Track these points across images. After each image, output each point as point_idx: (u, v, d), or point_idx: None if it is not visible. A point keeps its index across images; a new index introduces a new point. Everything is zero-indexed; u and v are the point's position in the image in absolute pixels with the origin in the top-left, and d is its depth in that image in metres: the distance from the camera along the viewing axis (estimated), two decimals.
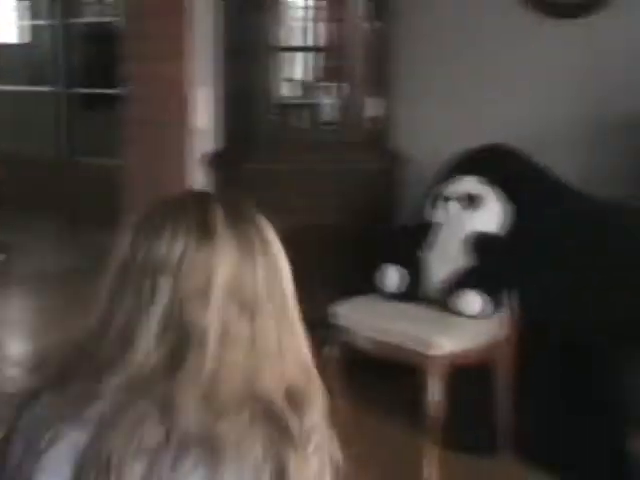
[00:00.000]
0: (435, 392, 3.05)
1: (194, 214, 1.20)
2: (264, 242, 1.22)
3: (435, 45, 4.09)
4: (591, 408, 3.20)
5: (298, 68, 4.20)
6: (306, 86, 4.14)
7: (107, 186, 6.28)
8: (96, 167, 6.58)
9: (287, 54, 4.18)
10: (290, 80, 4.20)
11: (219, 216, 1.20)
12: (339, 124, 4.04)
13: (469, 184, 3.37)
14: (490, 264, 3.26)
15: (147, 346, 1.15)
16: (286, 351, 1.21)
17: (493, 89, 3.94)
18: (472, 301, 3.16)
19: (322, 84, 4.18)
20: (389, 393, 3.52)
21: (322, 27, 4.14)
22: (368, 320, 3.19)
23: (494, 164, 3.45)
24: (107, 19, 6.67)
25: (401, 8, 4.12)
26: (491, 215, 3.32)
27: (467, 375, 3.29)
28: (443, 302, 3.23)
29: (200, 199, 1.26)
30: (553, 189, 3.44)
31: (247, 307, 1.18)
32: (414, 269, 3.31)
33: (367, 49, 3.99)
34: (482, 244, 3.28)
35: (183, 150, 3.93)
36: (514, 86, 3.87)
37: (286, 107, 4.12)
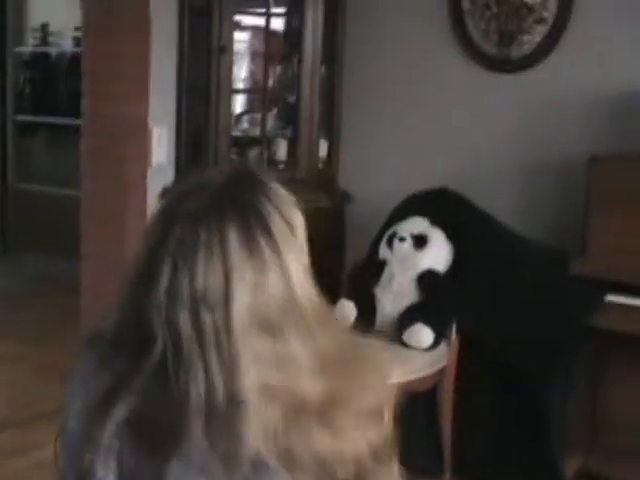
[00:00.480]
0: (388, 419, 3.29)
1: (219, 240, 1.24)
2: (277, 253, 1.27)
3: (380, 91, 4.36)
4: (528, 432, 3.50)
5: (255, 108, 4.40)
6: (262, 125, 4.34)
7: (53, 214, 6.48)
8: (42, 194, 6.70)
9: (241, 95, 4.39)
10: (243, 119, 4.39)
11: (235, 239, 1.25)
12: (292, 162, 4.27)
13: (419, 225, 3.63)
14: (436, 300, 3.52)
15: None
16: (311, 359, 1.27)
17: (434, 135, 4.24)
18: (422, 334, 3.42)
19: (277, 124, 4.39)
20: None
21: (276, 69, 4.34)
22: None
23: (440, 206, 3.71)
24: (53, 48, 6.81)
25: (349, 55, 4.38)
26: (438, 254, 3.59)
27: (415, 403, 3.56)
28: (395, 335, 3.48)
29: (219, 221, 1.27)
30: (488, 229, 3.72)
31: (265, 327, 1.25)
32: (369, 304, 3.56)
33: (319, 93, 4.24)
34: (430, 282, 3.55)
35: (144, 185, 4.10)
36: (456, 133, 4.16)
37: (240, 145, 4.31)
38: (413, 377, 3.37)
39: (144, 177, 4.10)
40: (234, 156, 4.24)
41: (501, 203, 3.86)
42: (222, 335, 1.23)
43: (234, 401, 1.23)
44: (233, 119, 4.26)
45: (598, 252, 3.44)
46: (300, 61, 4.21)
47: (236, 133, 4.29)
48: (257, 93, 4.40)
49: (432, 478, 3.61)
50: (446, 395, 3.56)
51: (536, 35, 3.92)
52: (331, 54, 4.33)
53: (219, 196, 1.30)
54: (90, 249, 4.18)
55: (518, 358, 3.43)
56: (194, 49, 4.19)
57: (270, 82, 4.32)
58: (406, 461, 3.66)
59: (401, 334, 3.45)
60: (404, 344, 3.44)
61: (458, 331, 3.53)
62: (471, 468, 3.58)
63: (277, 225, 1.29)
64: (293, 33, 4.32)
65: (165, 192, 4.17)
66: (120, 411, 1.28)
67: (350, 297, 3.55)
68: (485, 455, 3.57)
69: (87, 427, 1.32)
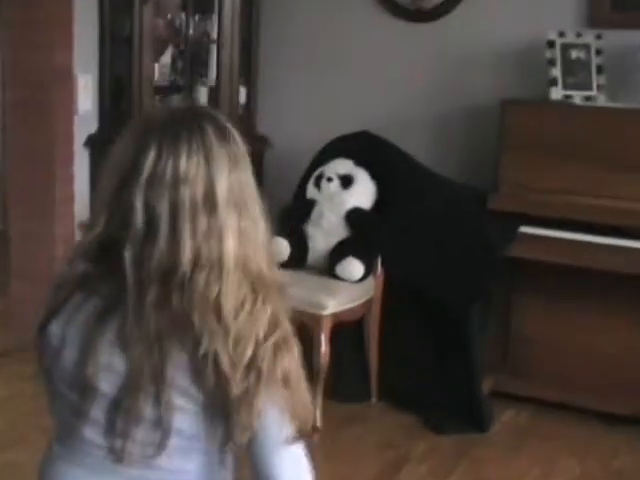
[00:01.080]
0: (323, 345, 3.53)
1: (199, 134, 1.50)
2: (243, 154, 1.55)
3: (298, 42, 4.56)
4: (449, 357, 3.80)
5: (176, 57, 4.51)
6: (183, 73, 4.45)
7: None
8: None
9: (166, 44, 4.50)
10: (167, 67, 4.50)
11: (212, 136, 1.51)
12: (213, 109, 4.41)
13: (345, 166, 3.86)
14: (364, 235, 3.77)
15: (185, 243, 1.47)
16: (265, 242, 1.55)
17: (350, 83, 4.45)
18: (353, 267, 3.66)
19: (198, 71, 4.52)
20: None
21: (199, 20, 4.46)
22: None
23: (363, 148, 3.94)
24: None
25: (266, 7, 4.54)
26: (364, 192, 3.83)
27: (344, 332, 3.81)
28: (327, 269, 3.71)
29: (199, 123, 1.52)
30: (409, 169, 3.98)
31: (238, 207, 1.51)
32: (301, 241, 3.77)
33: (239, 43, 4.39)
34: (357, 218, 3.79)
35: (72, 132, 4.18)
36: (372, 80, 4.39)
37: (163, 92, 4.43)
38: (345, 307, 3.63)
39: (71, 124, 4.19)
40: (157, 103, 4.35)
41: (418, 145, 4.12)
42: (201, 209, 1.48)
43: (216, 266, 1.48)
44: (156, 67, 4.35)
45: (510, 188, 3.74)
46: (220, 13, 4.34)
47: (158, 81, 4.39)
48: (178, 43, 4.50)
49: (360, 403, 3.89)
50: (373, 324, 3.83)
51: None
52: (249, 4, 4.47)
53: (188, 108, 1.62)
54: (19, 197, 4.25)
55: (440, 290, 3.72)
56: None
57: (191, 32, 4.42)
58: (336, 387, 3.96)
59: (333, 268, 3.69)
60: (336, 277, 3.68)
61: (383, 264, 3.79)
62: (396, 392, 3.87)
63: (236, 132, 1.57)
64: None
65: (91, 139, 4.27)
66: (112, 325, 1.51)
67: (283, 235, 3.76)
68: (409, 380, 3.85)
69: (85, 341, 1.53)
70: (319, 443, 3.49)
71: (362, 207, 3.80)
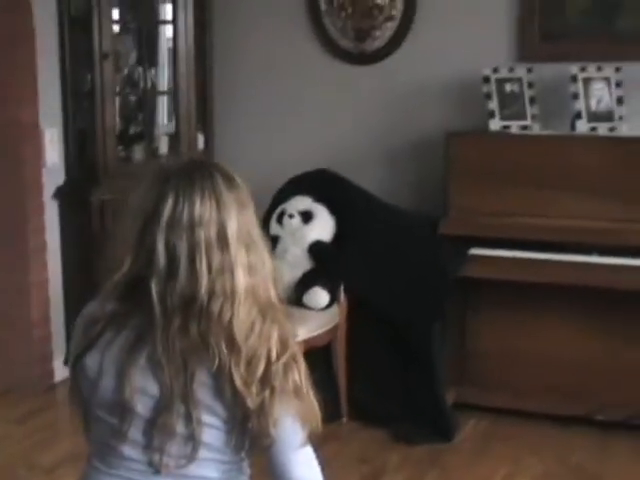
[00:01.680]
0: None
1: (210, 182, 1.73)
2: (247, 198, 1.78)
3: (250, 86, 4.83)
4: (413, 374, 4.06)
5: (138, 107, 4.75)
6: (145, 123, 4.69)
7: None
8: None
9: (126, 96, 4.74)
10: (130, 118, 4.74)
11: (221, 184, 1.74)
12: (173, 156, 4.65)
13: (304, 202, 4.13)
14: (327, 266, 4.04)
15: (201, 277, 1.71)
16: (270, 273, 1.80)
17: (302, 124, 4.74)
18: (319, 296, 3.93)
19: (160, 120, 4.76)
20: None
21: (159, 72, 4.71)
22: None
23: (320, 185, 4.22)
24: None
25: (218, 54, 4.82)
26: (324, 226, 4.11)
27: (313, 357, 4.05)
28: (295, 299, 3.97)
29: (209, 171, 1.76)
30: (365, 202, 4.27)
31: (247, 244, 1.75)
32: None
33: (195, 91, 4.65)
34: (319, 251, 4.06)
35: (40, 184, 4.38)
36: (323, 121, 4.68)
37: (125, 142, 4.65)
38: (314, 334, 3.88)
39: (40, 176, 4.39)
40: (121, 153, 4.57)
41: (372, 179, 4.42)
42: (215, 247, 1.72)
43: (230, 296, 1.72)
44: (117, 118, 4.58)
45: (458, 213, 4.05)
46: (175, 63, 4.59)
47: (119, 132, 4.61)
48: (136, 94, 4.74)
49: (331, 422, 4.12)
50: (340, 348, 4.08)
51: (387, 30, 4.51)
52: (202, 54, 4.74)
53: (197, 161, 1.90)
54: None
55: (400, 312, 3.99)
56: (76, 55, 4.50)
57: (148, 84, 4.67)
58: None
59: (300, 298, 3.94)
60: (303, 306, 3.93)
61: (346, 292, 4.06)
62: (366, 410, 4.12)
63: (239, 179, 1.81)
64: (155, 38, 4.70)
65: (59, 191, 4.47)
66: (144, 353, 1.74)
67: None
68: (377, 397, 4.11)
69: (120, 369, 1.76)
70: None
71: (323, 240, 4.08)
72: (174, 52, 4.59)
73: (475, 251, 3.98)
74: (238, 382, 1.70)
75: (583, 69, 4.05)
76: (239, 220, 1.76)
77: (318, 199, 4.14)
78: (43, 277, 4.43)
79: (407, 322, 3.99)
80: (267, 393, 1.73)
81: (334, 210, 4.14)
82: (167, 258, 1.72)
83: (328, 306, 3.97)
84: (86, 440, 1.93)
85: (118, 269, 1.78)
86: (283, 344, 1.76)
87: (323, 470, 1.84)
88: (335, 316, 4.02)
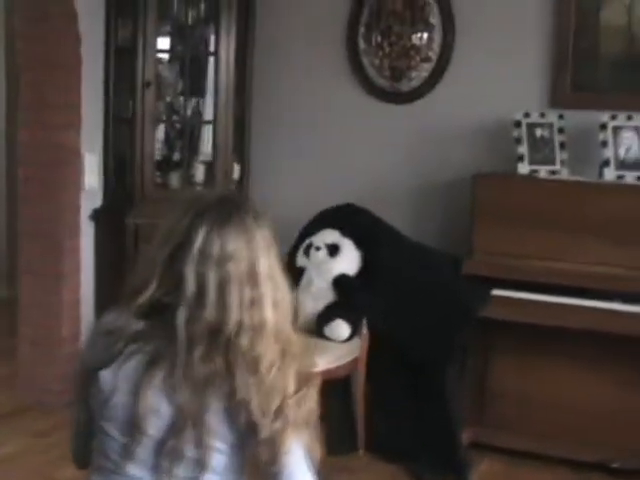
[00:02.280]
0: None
1: (242, 218, 1.82)
2: (273, 235, 1.86)
3: (287, 121, 4.91)
4: (429, 411, 4.10)
5: (172, 135, 4.87)
6: (177, 150, 4.81)
7: None
8: None
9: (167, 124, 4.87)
10: (172, 146, 4.86)
11: (253, 221, 1.83)
12: (209, 184, 4.77)
13: (331, 236, 4.21)
14: (350, 299, 4.10)
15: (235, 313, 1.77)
16: (289, 308, 1.86)
17: (335, 160, 4.81)
18: (340, 328, 3.99)
19: (197, 150, 4.88)
20: None
21: (195, 102, 4.84)
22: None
23: (349, 219, 4.30)
24: None
25: (257, 88, 4.93)
26: (350, 260, 4.17)
27: (331, 389, 4.11)
28: (317, 331, 4.03)
29: (239, 206, 1.86)
30: (391, 238, 4.33)
31: (274, 281, 1.82)
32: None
33: (233, 122, 4.76)
34: (343, 284, 4.12)
35: (78, 206, 4.52)
36: (356, 157, 4.75)
37: (163, 169, 4.77)
38: (333, 365, 3.93)
39: (78, 200, 4.53)
40: (158, 179, 4.69)
41: (399, 217, 4.48)
42: (246, 282, 1.78)
43: (259, 330, 1.78)
44: (157, 146, 4.71)
45: (483, 255, 4.09)
46: (216, 94, 4.71)
47: (158, 158, 4.74)
48: (177, 122, 4.86)
49: (348, 455, 4.17)
50: (359, 381, 4.13)
51: (422, 71, 4.59)
52: (242, 86, 4.85)
53: (230, 195, 1.99)
54: (29, 266, 4.56)
55: (419, 348, 4.04)
56: (119, 83, 4.66)
57: (189, 112, 4.79)
58: (326, 440, 4.22)
59: (321, 329, 4.01)
60: (324, 337, 4.00)
61: (368, 326, 4.11)
62: (382, 444, 4.15)
63: (265, 217, 1.91)
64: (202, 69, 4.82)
65: (95, 213, 4.60)
66: (160, 374, 1.79)
67: None
68: (394, 432, 4.15)
69: (135, 387, 1.81)
70: None
71: (348, 273, 4.14)
72: (215, 83, 4.70)
73: (498, 292, 4.01)
74: (256, 412, 1.76)
75: (613, 117, 4.08)
76: (269, 257, 1.83)
77: (345, 233, 4.21)
78: (76, 296, 4.55)
79: (424, 359, 4.03)
80: (279, 424, 1.78)
81: (360, 244, 4.21)
82: (197, 287, 1.78)
83: (349, 339, 4.03)
84: (75, 448, 2.02)
85: (144, 289, 1.84)
86: (300, 378, 1.82)
87: None
88: (356, 349, 4.07)
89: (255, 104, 4.93)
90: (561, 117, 4.22)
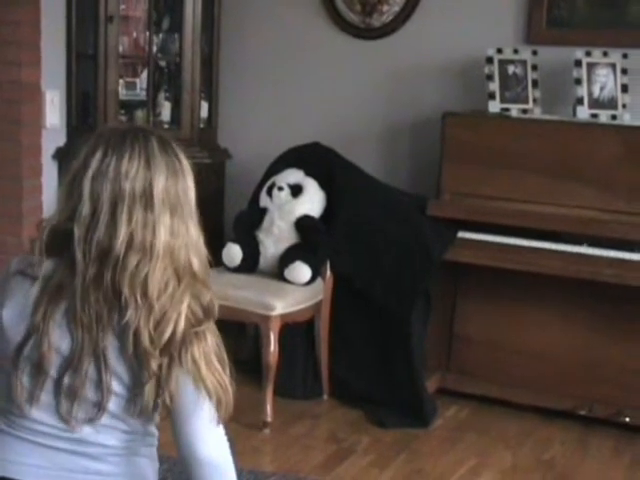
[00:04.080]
0: (272, 344, 3.74)
1: (143, 142, 1.76)
2: (183, 169, 1.79)
3: (255, 58, 4.76)
4: (393, 356, 4.00)
5: (143, 74, 4.73)
6: (149, 89, 4.66)
7: None
8: None
9: (131, 61, 4.73)
10: (135, 84, 4.72)
11: (155, 145, 1.76)
12: (176, 123, 4.63)
13: (295, 175, 4.07)
14: (312, 241, 3.97)
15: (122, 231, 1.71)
16: (194, 242, 1.79)
17: (305, 97, 4.66)
18: (301, 271, 3.87)
19: (163, 88, 4.74)
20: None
21: (162, 38, 4.68)
22: (215, 288, 3.78)
23: (313, 159, 4.15)
24: None
25: (225, 24, 4.76)
26: (313, 201, 4.04)
27: (295, 332, 4.02)
28: (278, 273, 3.92)
29: (144, 134, 1.79)
30: (356, 179, 4.18)
31: (173, 208, 1.74)
32: (253, 247, 3.99)
33: (200, 59, 4.61)
34: (306, 225, 3.99)
35: (39, 145, 4.40)
36: (324, 94, 4.61)
37: (127, 107, 4.65)
38: (294, 309, 3.83)
39: (39, 138, 4.41)
40: (122, 118, 4.56)
41: (366, 156, 4.35)
42: (138, 202, 1.72)
43: (148, 252, 1.71)
44: (121, 83, 4.57)
45: (450, 196, 3.96)
46: (182, 31, 4.56)
47: (123, 96, 4.61)
48: (142, 59, 4.72)
49: (311, 400, 4.09)
50: (323, 325, 4.04)
51: (394, 5, 4.41)
52: (210, 23, 4.69)
53: (140, 126, 1.94)
54: None
55: (382, 291, 3.93)
56: (82, 17, 4.50)
57: (154, 49, 4.64)
58: (289, 385, 4.16)
59: (282, 272, 3.89)
60: (285, 280, 3.88)
61: (331, 269, 4.00)
62: (345, 389, 4.08)
63: (181, 153, 1.83)
64: (176, 6, 4.66)
65: (59, 152, 4.48)
66: (62, 306, 1.74)
67: (236, 241, 3.97)
68: (357, 377, 4.06)
69: (37, 323, 1.74)
70: (269, 436, 3.72)
71: (311, 215, 4.01)
72: (181, 18, 4.54)
73: (464, 235, 3.89)
74: (145, 340, 1.69)
75: (588, 54, 3.92)
76: (168, 183, 1.75)
77: (310, 173, 4.07)
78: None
79: (388, 302, 3.92)
80: (166, 361, 1.71)
81: (325, 185, 4.07)
82: (91, 207, 1.72)
83: (311, 282, 3.91)
84: None
85: (47, 222, 1.79)
86: (194, 314, 1.75)
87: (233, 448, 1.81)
88: (318, 292, 3.97)
89: (223, 41, 4.76)
90: (535, 53, 4.05)
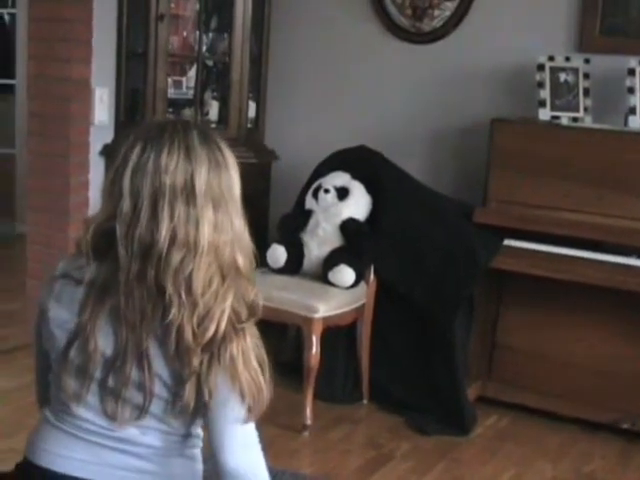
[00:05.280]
0: (313, 347, 3.73)
1: (182, 134, 1.72)
2: (226, 160, 1.74)
3: (305, 59, 4.76)
4: (434, 362, 3.98)
5: (191, 73, 4.75)
6: (196, 88, 4.68)
7: None
8: None
9: (180, 60, 4.75)
10: (182, 82, 4.75)
11: (195, 138, 1.72)
12: (223, 123, 4.65)
13: (341, 178, 4.06)
14: (357, 244, 3.96)
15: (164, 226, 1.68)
16: (239, 237, 1.75)
17: (353, 100, 4.66)
18: (345, 274, 3.86)
19: (211, 87, 4.76)
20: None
21: (211, 38, 4.70)
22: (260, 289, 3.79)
23: (360, 162, 4.14)
24: None
25: (275, 25, 4.77)
26: (358, 204, 4.03)
27: (336, 336, 4.01)
28: (321, 276, 3.91)
29: (183, 126, 1.75)
30: (403, 183, 4.16)
31: (216, 202, 1.70)
32: (297, 249, 3.99)
33: (249, 59, 4.62)
34: (351, 229, 3.98)
35: (87, 142, 4.43)
36: (373, 98, 4.60)
37: (175, 106, 4.67)
38: (336, 312, 3.82)
39: (87, 135, 4.44)
40: (170, 116, 4.58)
41: (411, 161, 4.33)
42: (180, 196, 1.68)
43: (192, 248, 1.68)
44: (169, 82, 4.60)
45: (497, 203, 3.93)
46: (232, 30, 4.57)
47: (171, 95, 4.63)
48: (189, 58, 4.74)
49: (351, 405, 4.08)
50: (365, 329, 4.02)
51: (446, 10, 4.39)
52: (260, 23, 4.70)
53: (181, 120, 1.88)
54: (36, 202, 4.50)
55: (426, 297, 3.90)
56: (133, 16, 4.53)
57: (203, 48, 4.66)
58: (329, 389, 4.15)
59: (326, 274, 3.89)
60: (329, 283, 3.88)
61: (375, 273, 3.99)
62: (385, 394, 4.06)
63: (224, 145, 1.78)
64: (226, 6, 4.67)
65: (106, 149, 4.51)
66: (107, 306, 1.72)
67: (281, 242, 3.98)
68: (398, 383, 4.05)
69: (84, 324, 1.73)
70: (308, 439, 3.71)
71: (356, 218, 4.00)
72: (232, 18, 4.56)
73: (509, 243, 3.86)
74: (189, 336, 1.67)
75: None
76: (210, 176, 1.71)
77: (356, 176, 4.06)
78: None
79: (431, 307, 3.90)
80: (207, 358, 1.70)
81: (371, 188, 4.06)
82: (131, 203, 1.69)
83: (354, 285, 3.90)
84: (37, 390, 2.00)
85: (92, 222, 1.76)
86: (237, 311, 1.72)
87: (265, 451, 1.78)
88: (361, 296, 3.95)
89: (273, 41, 4.77)
90: (587, 61, 4.01)
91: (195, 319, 1.67)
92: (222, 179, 1.73)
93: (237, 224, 1.75)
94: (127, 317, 1.69)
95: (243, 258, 1.76)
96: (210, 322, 1.68)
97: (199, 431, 1.88)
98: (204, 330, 1.68)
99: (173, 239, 1.68)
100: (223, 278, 1.71)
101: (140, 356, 1.70)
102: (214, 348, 1.69)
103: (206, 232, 1.70)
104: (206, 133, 1.76)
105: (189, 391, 1.71)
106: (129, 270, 1.68)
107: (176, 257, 1.68)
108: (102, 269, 1.73)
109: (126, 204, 1.68)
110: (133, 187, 1.69)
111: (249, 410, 1.74)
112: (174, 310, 1.67)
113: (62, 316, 1.77)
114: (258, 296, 1.79)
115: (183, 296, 1.67)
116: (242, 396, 1.72)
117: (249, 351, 1.74)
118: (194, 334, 1.67)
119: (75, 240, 1.81)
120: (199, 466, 1.92)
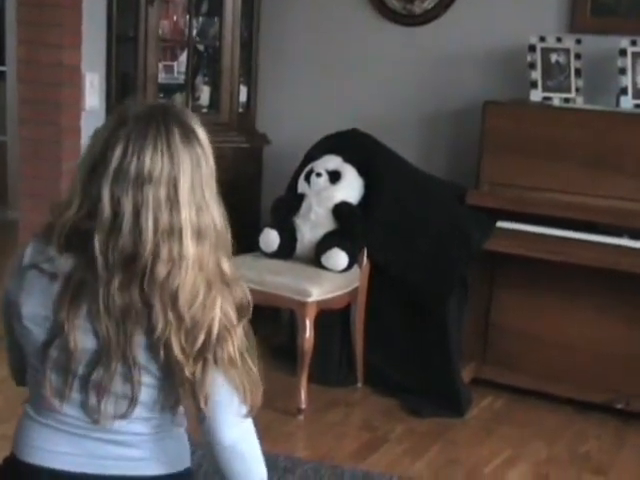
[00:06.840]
0: (307, 331, 3.73)
1: (165, 136, 1.65)
2: (205, 153, 1.70)
3: (295, 43, 4.73)
4: (428, 345, 3.98)
5: (182, 58, 4.73)
6: (187, 73, 4.66)
7: None
8: None
9: (171, 44, 4.72)
10: (173, 67, 4.73)
11: (178, 138, 1.66)
12: (214, 107, 4.63)
13: (333, 162, 4.05)
14: (350, 228, 3.96)
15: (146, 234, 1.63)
16: (221, 236, 1.71)
17: (344, 83, 4.64)
18: (338, 258, 3.86)
19: (202, 72, 4.74)
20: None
21: (202, 22, 4.68)
22: (252, 273, 3.80)
23: (352, 145, 4.13)
24: None
25: (266, 9, 4.74)
26: (351, 187, 4.02)
27: (331, 320, 4.01)
28: (314, 260, 3.91)
29: (165, 119, 1.67)
30: (395, 166, 4.16)
31: (199, 206, 1.66)
32: (290, 233, 3.98)
33: (240, 44, 4.60)
34: (343, 212, 3.97)
35: (78, 127, 4.41)
36: (364, 81, 4.58)
37: (166, 90, 4.65)
38: (330, 296, 3.82)
39: (78, 120, 4.41)
40: (161, 101, 4.56)
41: (404, 143, 4.31)
42: (163, 207, 1.63)
43: (177, 262, 1.64)
44: (160, 66, 4.58)
45: (489, 185, 3.93)
46: (222, 14, 4.55)
47: (162, 80, 4.61)
48: (180, 43, 4.71)
49: (346, 388, 4.09)
50: (358, 313, 4.02)
51: None
52: (250, 7, 4.67)
53: (159, 106, 1.76)
54: (29, 189, 4.48)
55: (419, 279, 3.91)
56: (123, 0, 4.50)
57: (193, 33, 4.63)
58: (323, 372, 4.15)
59: (319, 258, 3.88)
60: (322, 267, 3.87)
61: (368, 256, 3.99)
62: (380, 377, 4.06)
63: (202, 133, 1.73)
64: None
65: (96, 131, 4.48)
66: (84, 307, 1.67)
67: (273, 227, 3.97)
68: (392, 365, 4.05)
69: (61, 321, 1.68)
70: (303, 423, 3.72)
71: (349, 201, 3.99)
72: (221, 3, 4.53)
73: (502, 224, 3.86)
74: (177, 351, 1.65)
75: (633, 43, 3.86)
76: (193, 178, 1.67)
77: (348, 159, 4.05)
78: None
79: (425, 291, 3.90)
80: (200, 365, 1.68)
81: (363, 171, 4.05)
82: (112, 211, 1.63)
83: (347, 269, 3.90)
84: (11, 369, 1.97)
85: (65, 210, 1.69)
86: (227, 316, 1.70)
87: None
88: (355, 279, 3.95)
89: (263, 25, 4.74)
90: (578, 42, 4.00)
91: (182, 333, 1.65)
92: (203, 175, 1.70)
93: (218, 221, 1.71)
94: (108, 326, 1.65)
95: (227, 260, 1.73)
96: (199, 331, 1.66)
97: (182, 408, 1.87)
98: (193, 340, 1.65)
99: (157, 253, 1.63)
100: (209, 287, 1.68)
101: (125, 353, 1.67)
102: (208, 354, 1.67)
103: (190, 243, 1.65)
104: (188, 128, 1.70)
105: (183, 394, 1.72)
106: (110, 281, 1.64)
107: (161, 271, 1.63)
108: (77, 267, 1.68)
109: (106, 213, 1.63)
110: (113, 195, 1.63)
111: (247, 404, 1.74)
112: (160, 326, 1.64)
113: (37, 312, 1.72)
114: (246, 294, 1.76)
115: (169, 312, 1.64)
116: (240, 392, 1.72)
117: (243, 347, 1.73)
118: (182, 347, 1.65)
119: (42, 225, 1.75)
120: (186, 442, 1.91)
